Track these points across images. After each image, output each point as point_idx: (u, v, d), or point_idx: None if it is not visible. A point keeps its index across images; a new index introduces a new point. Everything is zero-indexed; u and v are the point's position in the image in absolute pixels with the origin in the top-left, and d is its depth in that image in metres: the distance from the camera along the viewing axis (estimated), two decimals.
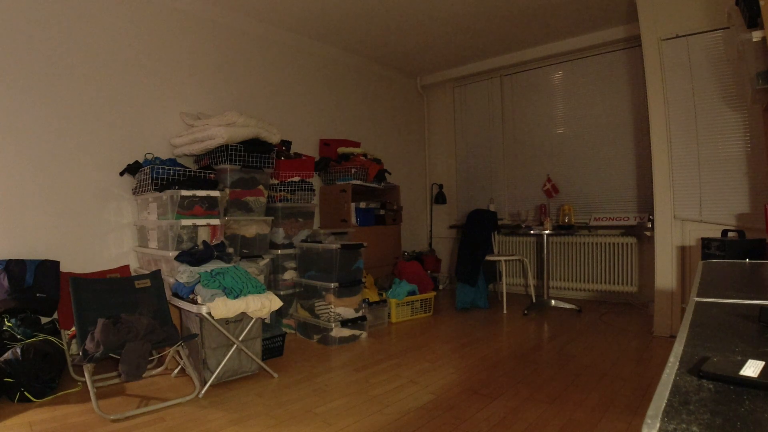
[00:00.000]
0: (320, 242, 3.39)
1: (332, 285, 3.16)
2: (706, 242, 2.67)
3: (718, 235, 2.94)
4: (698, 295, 1.02)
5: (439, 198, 5.57)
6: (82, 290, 2.35)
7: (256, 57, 3.98)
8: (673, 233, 3.23)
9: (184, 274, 2.51)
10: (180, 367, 2.60)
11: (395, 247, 4.49)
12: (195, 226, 2.78)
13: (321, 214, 4.33)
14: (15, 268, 2.46)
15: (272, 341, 2.87)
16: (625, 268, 4.26)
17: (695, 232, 3.15)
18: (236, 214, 3.18)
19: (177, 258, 2.60)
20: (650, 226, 3.99)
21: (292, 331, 3.48)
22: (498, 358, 2.82)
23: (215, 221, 2.86)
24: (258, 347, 2.61)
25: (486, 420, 1.97)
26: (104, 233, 3.04)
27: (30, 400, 2.18)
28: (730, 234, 2.79)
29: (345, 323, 3.24)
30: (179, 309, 2.67)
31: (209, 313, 2.32)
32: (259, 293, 2.51)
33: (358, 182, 4.14)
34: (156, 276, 2.63)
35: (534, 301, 4.24)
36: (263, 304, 2.47)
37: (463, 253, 4.35)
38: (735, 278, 1.27)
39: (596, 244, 4.43)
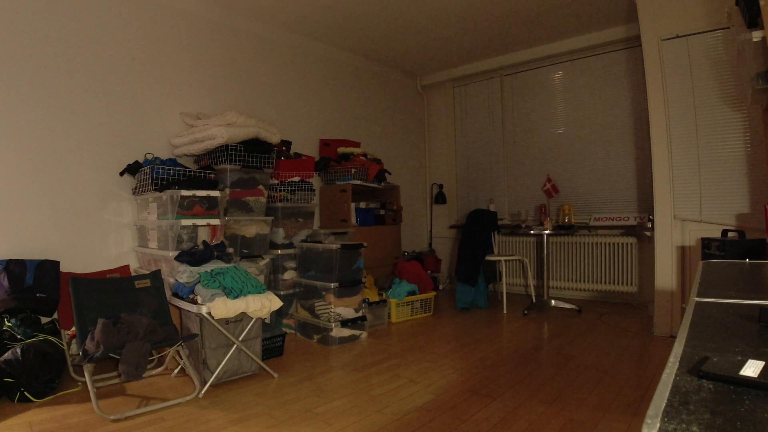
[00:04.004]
0: (320, 242, 3.39)
1: (332, 285, 3.16)
2: (706, 242, 2.67)
3: (718, 235, 2.94)
4: (698, 295, 1.02)
5: (439, 198, 5.57)
6: (82, 290, 2.35)
7: (256, 57, 3.98)
8: (673, 233, 3.23)
9: (184, 274, 2.51)
10: (180, 367, 2.60)
11: (395, 247, 4.49)
12: (195, 226, 2.78)
13: (321, 214, 4.33)
14: (15, 268, 2.46)
15: (272, 341, 2.87)
16: (625, 268, 4.26)
17: (695, 232, 3.15)
18: (236, 214, 3.18)
19: (177, 258, 2.60)
20: (650, 226, 3.98)
21: (292, 331, 3.48)
22: (498, 358, 2.82)
23: (215, 221, 2.86)
24: (258, 347, 2.61)
25: (486, 420, 1.97)
26: (104, 233, 3.04)
27: (30, 400, 2.18)
28: (730, 234, 2.79)
29: (345, 323, 3.24)
30: (179, 309, 2.67)
31: (209, 313, 2.32)
32: (259, 293, 2.51)
33: (358, 182, 4.14)
34: (156, 276, 2.63)
35: (534, 301, 4.24)
36: (263, 304, 2.47)
37: (463, 253, 4.35)
38: (735, 278, 1.27)
39: (596, 244, 4.43)
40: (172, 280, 2.63)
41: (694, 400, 0.47)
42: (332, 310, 3.18)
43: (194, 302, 2.38)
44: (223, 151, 3.09)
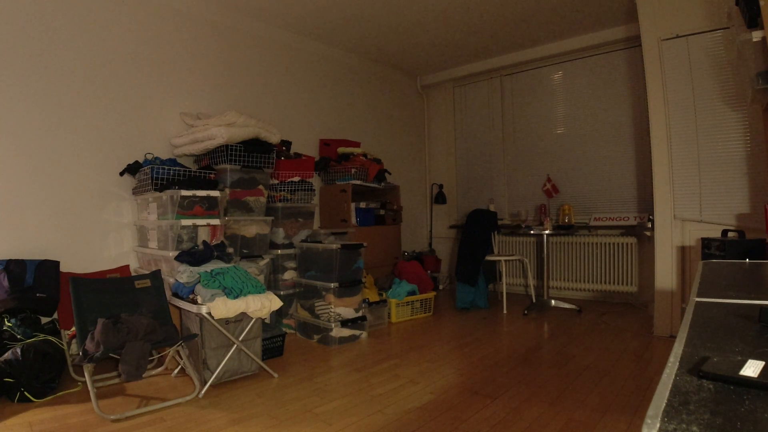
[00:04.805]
0: (320, 242, 3.39)
1: (332, 285, 3.16)
2: (706, 242, 2.67)
3: (718, 235, 2.94)
4: (698, 295, 1.02)
5: (439, 198, 5.57)
6: (82, 290, 2.35)
7: (256, 57, 3.98)
8: (673, 233, 3.23)
9: (184, 274, 2.51)
10: (180, 367, 2.60)
11: (395, 247, 4.48)
12: (195, 226, 2.78)
13: (321, 214, 4.33)
14: (15, 268, 2.46)
15: (272, 341, 2.87)
16: (625, 268, 4.26)
17: (695, 232, 3.15)
18: (236, 214, 3.18)
19: (177, 258, 2.60)
20: (650, 226, 3.98)
21: (292, 331, 3.48)
22: (498, 358, 2.82)
23: (215, 221, 2.86)
24: (258, 347, 2.61)
25: (486, 420, 1.97)
26: (104, 233, 3.04)
27: (30, 400, 2.18)
28: (730, 234, 2.79)
29: (345, 323, 3.24)
30: (179, 309, 2.67)
31: (209, 313, 2.32)
32: (259, 293, 2.51)
33: (358, 182, 4.14)
34: (156, 276, 2.63)
35: (534, 301, 4.24)
36: (263, 304, 2.47)
37: (463, 253, 4.35)
38: (735, 278, 1.27)
39: (596, 244, 4.43)
40: (172, 280, 2.63)
41: (694, 400, 0.47)
42: (332, 310, 3.18)
43: (194, 302, 2.38)
44: (223, 151, 3.09)
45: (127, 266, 3.05)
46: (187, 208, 2.75)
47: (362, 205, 4.25)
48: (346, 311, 3.26)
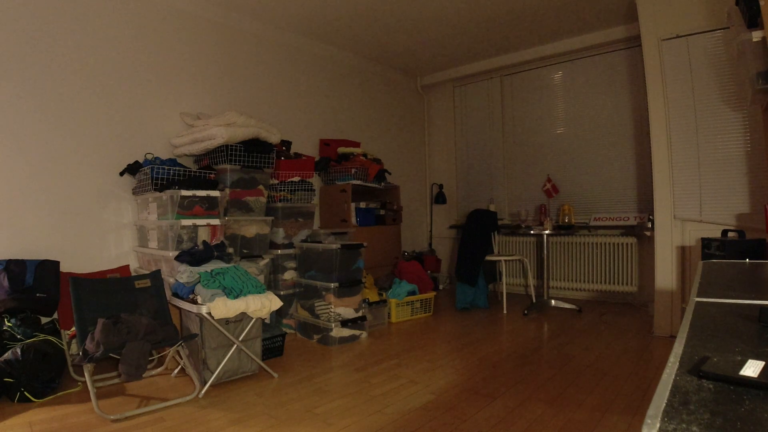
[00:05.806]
0: (320, 242, 3.39)
1: (332, 285, 3.16)
2: (706, 242, 2.67)
3: (718, 235, 2.94)
4: (698, 295, 1.02)
5: (439, 198, 5.57)
6: (82, 290, 2.35)
7: (256, 57, 3.98)
8: (673, 233, 3.23)
9: (184, 274, 2.51)
10: (180, 367, 2.60)
11: (395, 247, 4.48)
12: (195, 226, 2.78)
13: (321, 214, 4.33)
14: (15, 268, 2.46)
15: (272, 341, 2.87)
16: (625, 268, 4.26)
17: (695, 232, 3.15)
18: (236, 214, 3.18)
19: (177, 258, 2.60)
20: (650, 226, 3.98)
21: (292, 331, 3.48)
22: (498, 358, 2.82)
23: (215, 221, 2.86)
24: (258, 347, 2.61)
25: (486, 420, 1.97)
26: (104, 233, 3.04)
27: (30, 400, 2.18)
28: (730, 234, 2.79)
29: (345, 323, 3.24)
30: (179, 309, 2.67)
31: (209, 313, 2.32)
32: (259, 293, 2.51)
33: (358, 182, 4.14)
34: (156, 276, 2.63)
35: (534, 301, 4.24)
36: (263, 304, 2.47)
37: (463, 252, 4.35)
38: (735, 278, 1.27)
39: (596, 244, 4.43)
40: (172, 280, 2.63)
41: (694, 400, 0.47)
42: (332, 310, 3.18)
43: (194, 302, 2.38)
44: (223, 151, 3.09)
45: (127, 266, 3.05)
46: (187, 208, 2.75)
47: (362, 205, 4.25)
48: (346, 311, 3.26)
